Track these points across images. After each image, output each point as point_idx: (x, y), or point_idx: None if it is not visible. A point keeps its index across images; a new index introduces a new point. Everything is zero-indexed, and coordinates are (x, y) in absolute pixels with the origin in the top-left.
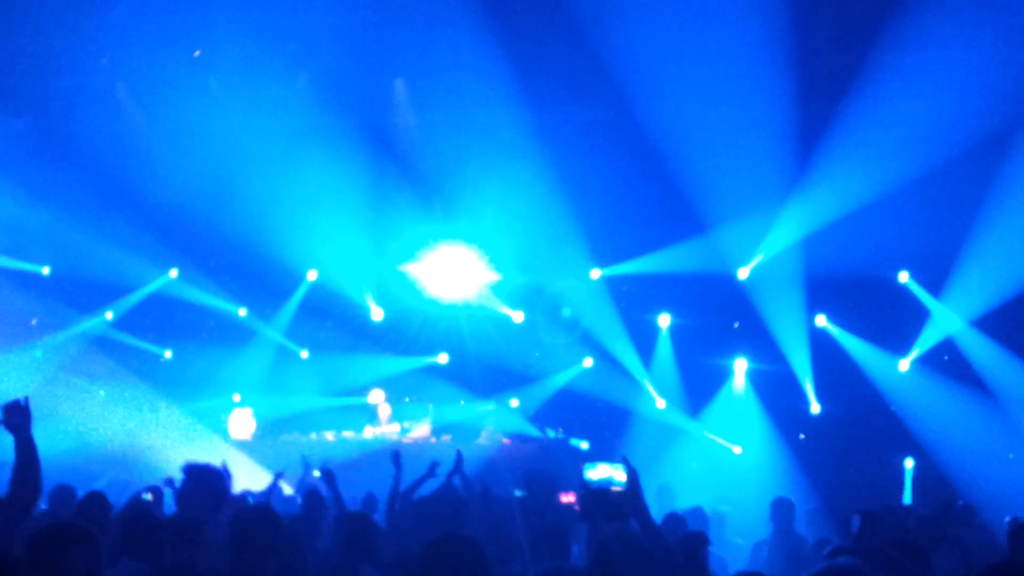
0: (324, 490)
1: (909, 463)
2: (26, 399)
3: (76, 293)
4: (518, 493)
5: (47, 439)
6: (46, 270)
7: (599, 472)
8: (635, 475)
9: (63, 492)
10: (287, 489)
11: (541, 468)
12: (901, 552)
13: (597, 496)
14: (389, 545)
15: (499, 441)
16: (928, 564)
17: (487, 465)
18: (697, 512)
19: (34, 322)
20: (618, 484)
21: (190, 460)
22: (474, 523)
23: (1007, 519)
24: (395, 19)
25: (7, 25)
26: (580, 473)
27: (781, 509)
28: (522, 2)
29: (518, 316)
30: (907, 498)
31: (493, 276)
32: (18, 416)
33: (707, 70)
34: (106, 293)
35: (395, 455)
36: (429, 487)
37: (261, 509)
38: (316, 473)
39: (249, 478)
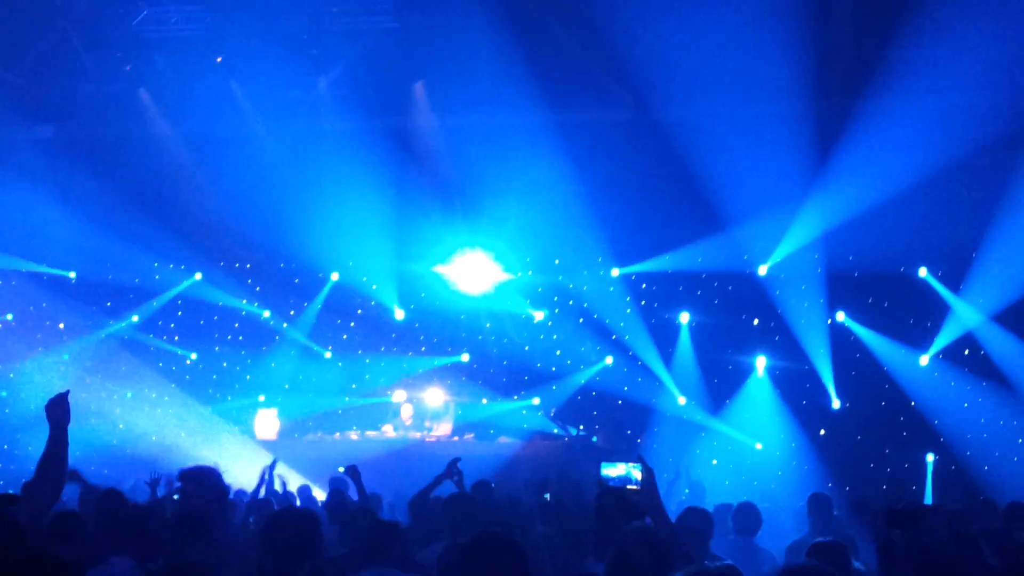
0: (350, 487)
1: (930, 458)
2: (67, 393)
3: (102, 297)
4: (547, 496)
5: (74, 441)
6: (72, 275)
7: (616, 471)
8: (651, 474)
9: (88, 494)
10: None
11: (565, 471)
12: (957, 546)
13: (614, 495)
14: (414, 544)
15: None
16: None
17: (508, 464)
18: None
19: (61, 326)
20: (635, 482)
21: (183, 466)
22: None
23: None
24: (415, 22)
25: (31, 34)
26: (597, 472)
27: (819, 505)
28: (541, 4)
29: (539, 315)
30: (928, 493)
31: (514, 275)
32: (59, 409)
33: (725, 69)
34: (132, 297)
35: (453, 462)
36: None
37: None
38: (340, 469)
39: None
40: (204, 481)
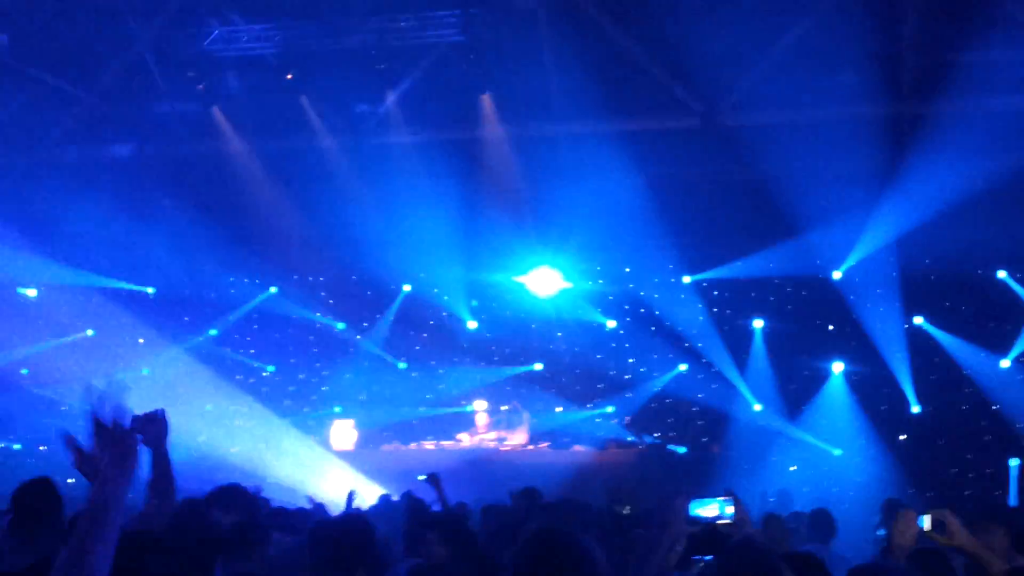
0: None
1: (1014, 462)
2: (163, 411)
3: (180, 312)
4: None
5: None
6: (151, 290)
7: (708, 511)
8: (742, 508)
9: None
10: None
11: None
12: None
13: (708, 532)
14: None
15: None
16: None
17: (583, 473)
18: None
19: (141, 340)
20: (727, 517)
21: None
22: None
23: None
24: (480, 35)
25: (107, 54)
26: (686, 509)
27: (893, 510)
28: (606, 13)
29: (611, 323)
30: (1012, 498)
31: (585, 284)
32: (155, 429)
33: (796, 71)
34: (210, 311)
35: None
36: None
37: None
38: (421, 477)
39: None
40: (234, 499)
